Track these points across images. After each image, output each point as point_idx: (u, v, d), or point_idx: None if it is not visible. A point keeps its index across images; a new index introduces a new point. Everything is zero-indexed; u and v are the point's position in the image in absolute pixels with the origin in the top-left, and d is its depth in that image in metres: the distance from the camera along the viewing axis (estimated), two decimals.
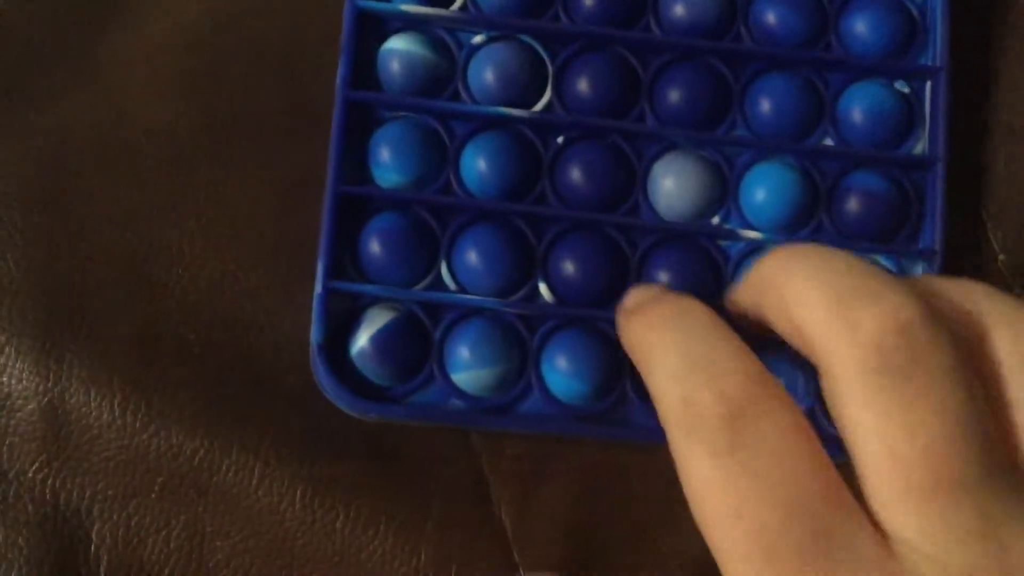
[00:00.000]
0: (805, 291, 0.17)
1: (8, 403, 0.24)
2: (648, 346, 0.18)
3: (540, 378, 0.25)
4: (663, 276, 0.25)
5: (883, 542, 0.16)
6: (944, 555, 0.15)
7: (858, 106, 0.26)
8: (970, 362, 0.17)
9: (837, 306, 0.16)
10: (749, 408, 0.16)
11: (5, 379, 0.25)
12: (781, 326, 0.18)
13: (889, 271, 0.18)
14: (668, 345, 0.18)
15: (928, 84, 0.26)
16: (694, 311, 0.18)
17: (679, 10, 0.26)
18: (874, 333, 0.16)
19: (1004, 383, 0.17)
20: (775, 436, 0.16)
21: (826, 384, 0.17)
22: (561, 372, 0.25)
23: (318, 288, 0.24)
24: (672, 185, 0.26)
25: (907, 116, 0.26)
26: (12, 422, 0.24)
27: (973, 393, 0.16)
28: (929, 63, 0.26)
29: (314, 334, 0.24)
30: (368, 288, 0.25)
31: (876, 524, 0.16)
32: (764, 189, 0.26)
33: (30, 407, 0.24)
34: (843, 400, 0.16)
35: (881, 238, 0.26)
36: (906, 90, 0.26)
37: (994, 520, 0.16)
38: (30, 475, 0.24)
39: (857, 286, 0.17)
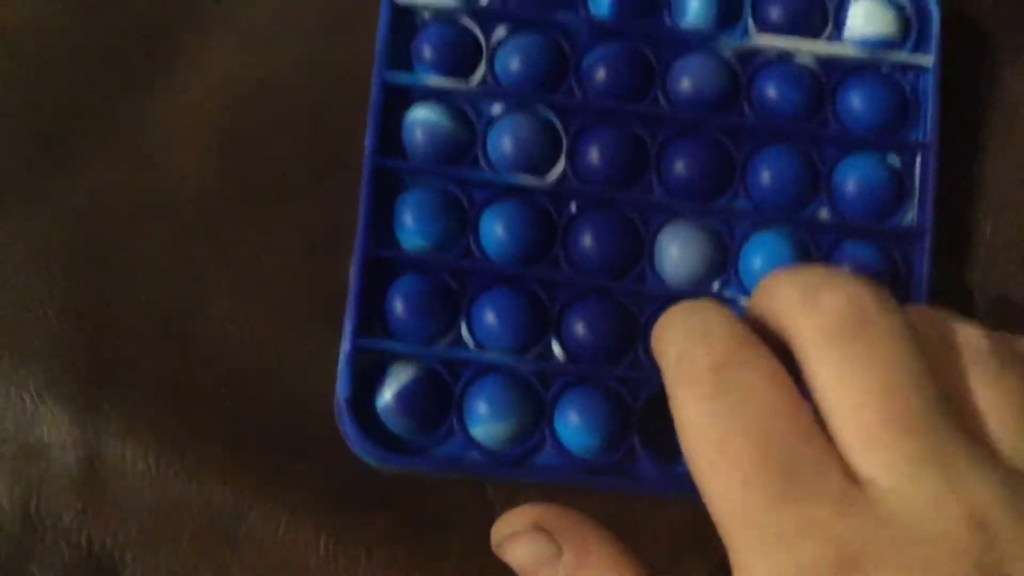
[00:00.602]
0: (782, 290, 0.20)
1: (47, 453, 0.26)
2: (662, 330, 0.21)
3: (553, 432, 0.26)
4: None
5: (852, 480, 0.18)
6: (904, 486, 0.18)
7: (852, 178, 0.28)
8: (916, 334, 0.19)
9: (804, 293, 0.20)
10: (732, 359, 0.19)
11: (44, 430, 0.26)
12: (770, 326, 0.21)
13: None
14: (675, 324, 0.21)
15: (918, 158, 0.28)
16: (701, 301, 0.21)
17: (685, 84, 0.28)
18: (831, 306, 0.19)
19: (964, 361, 0.20)
20: (755, 382, 0.19)
21: (799, 360, 0.19)
22: (573, 427, 0.26)
23: (346, 345, 0.26)
24: (677, 253, 0.27)
25: (898, 188, 0.28)
26: (50, 471, 0.26)
27: (916, 353, 0.19)
28: (920, 138, 0.28)
29: (341, 389, 0.26)
30: (393, 345, 0.26)
31: (847, 470, 0.18)
32: (761, 258, 0.27)
33: (67, 457, 0.26)
34: (809, 364, 0.19)
35: None
36: (897, 164, 0.28)
37: (945, 454, 0.18)
38: (66, 522, 0.25)
39: (821, 279, 0.20)
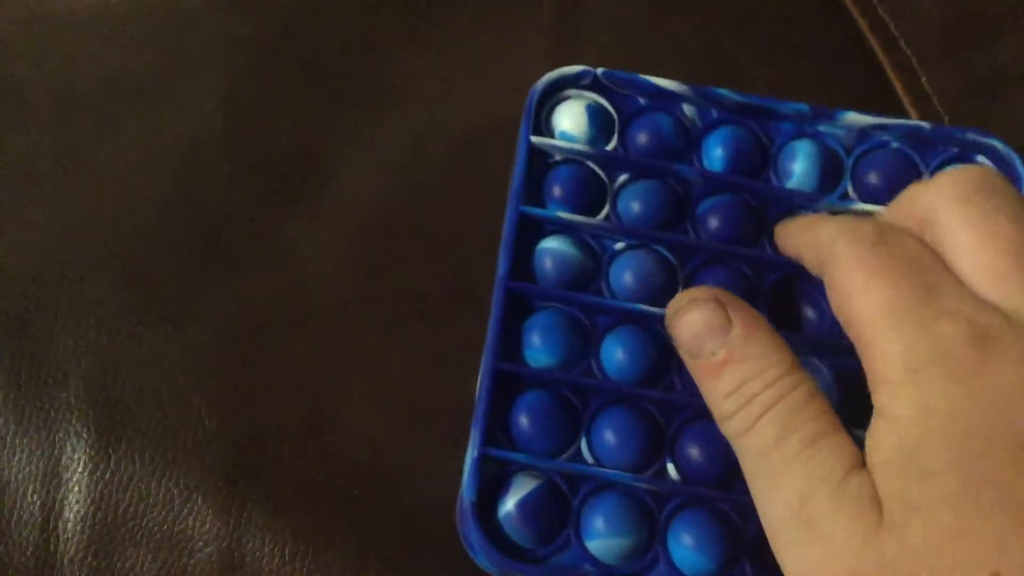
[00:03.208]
0: (917, 185, 0.25)
1: (190, 545, 0.27)
2: (814, 221, 0.26)
3: (667, 551, 0.27)
4: None
5: (980, 300, 0.21)
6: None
7: None
8: None
9: (938, 175, 0.24)
10: (891, 229, 0.24)
11: (190, 522, 0.27)
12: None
13: None
14: (830, 215, 0.26)
15: None
16: None
17: None
18: (964, 174, 0.23)
19: None
20: (909, 241, 0.23)
21: (934, 229, 0.23)
22: (687, 547, 0.27)
23: (473, 453, 0.27)
24: None
25: None
26: (192, 562, 0.27)
27: None
28: None
29: (467, 494, 0.27)
30: (517, 456, 0.28)
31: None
32: None
33: (209, 549, 0.27)
34: (945, 222, 0.23)
35: None
36: None
37: None
38: None
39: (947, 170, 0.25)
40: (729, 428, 0.24)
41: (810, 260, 0.26)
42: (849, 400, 0.28)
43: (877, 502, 0.21)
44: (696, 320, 0.24)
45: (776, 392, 0.23)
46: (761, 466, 0.23)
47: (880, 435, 0.21)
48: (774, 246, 0.30)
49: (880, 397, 0.21)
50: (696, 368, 0.25)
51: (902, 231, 0.24)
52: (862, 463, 0.21)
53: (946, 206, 0.23)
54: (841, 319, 0.23)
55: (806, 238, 0.26)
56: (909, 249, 0.23)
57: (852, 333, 0.23)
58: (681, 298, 0.25)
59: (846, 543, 0.20)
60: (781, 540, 0.22)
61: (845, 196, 0.31)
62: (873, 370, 0.22)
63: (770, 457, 0.22)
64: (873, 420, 0.21)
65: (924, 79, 0.33)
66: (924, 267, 0.22)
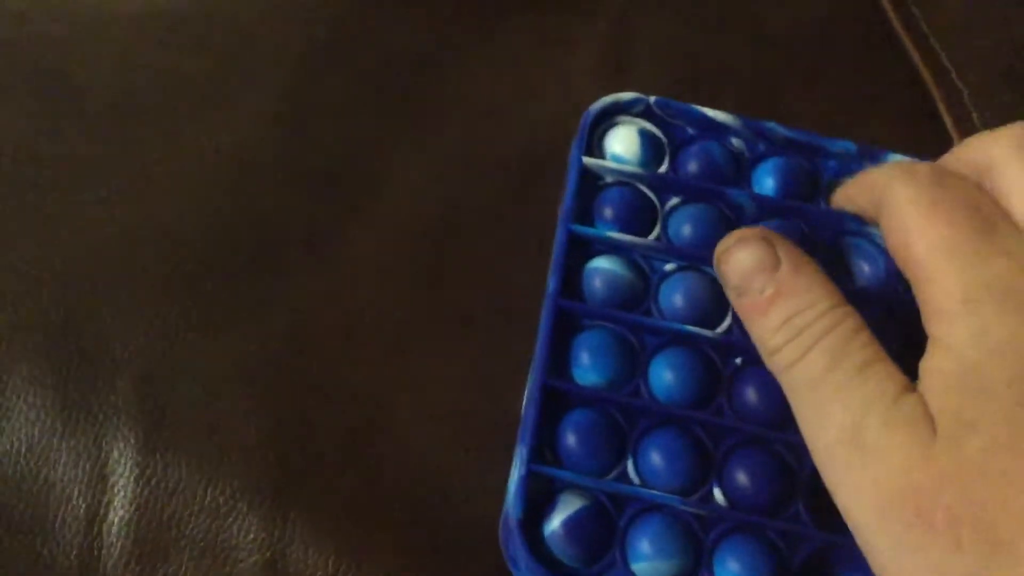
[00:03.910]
0: (977, 137, 0.25)
1: (234, 554, 0.27)
2: (874, 170, 0.27)
3: None
4: (828, 494, 0.28)
5: None
6: None
7: None
8: None
9: (997, 131, 0.25)
10: (947, 172, 0.24)
11: (235, 531, 0.27)
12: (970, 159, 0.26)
13: None
14: (889, 163, 0.26)
15: None
16: None
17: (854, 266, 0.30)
18: (1020, 130, 0.24)
19: None
20: (964, 184, 0.24)
21: (993, 176, 0.24)
22: (733, 573, 0.27)
23: (521, 470, 0.27)
24: None
25: None
26: (235, 571, 0.27)
27: None
28: None
29: (514, 512, 0.27)
30: (564, 474, 0.27)
31: None
32: None
33: (253, 559, 0.27)
34: (1003, 170, 0.24)
35: None
36: None
37: None
38: None
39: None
40: (777, 361, 0.24)
41: (866, 206, 0.27)
42: None
43: (930, 420, 0.21)
44: (745, 258, 0.25)
45: (827, 323, 0.23)
46: (812, 395, 0.23)
47: (935, 361, 0.22)
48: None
49: (937, 328, 0.22)
50: (743, 307, 0.25)
51: (958, 175, 0.24)
52: (913, 387, 0.22)
53: (1006, 154, 0.24)
54: (898, 260, 0.24)
55: (862, 185, 0.27)
56: (966, 192, 0.24)
57: (909, 272, 0.23)
58: (729, 238, 0.26)
59: (902, 460, 0.21)
60: (834, 467, 0.22)
61: None
62: (929, 303, 0.22)
63: (821, 385, 0.23)
64: (928, 350, 0.22)
65: (975, 114, 0.33)
66: (981, 209, 0.23)
